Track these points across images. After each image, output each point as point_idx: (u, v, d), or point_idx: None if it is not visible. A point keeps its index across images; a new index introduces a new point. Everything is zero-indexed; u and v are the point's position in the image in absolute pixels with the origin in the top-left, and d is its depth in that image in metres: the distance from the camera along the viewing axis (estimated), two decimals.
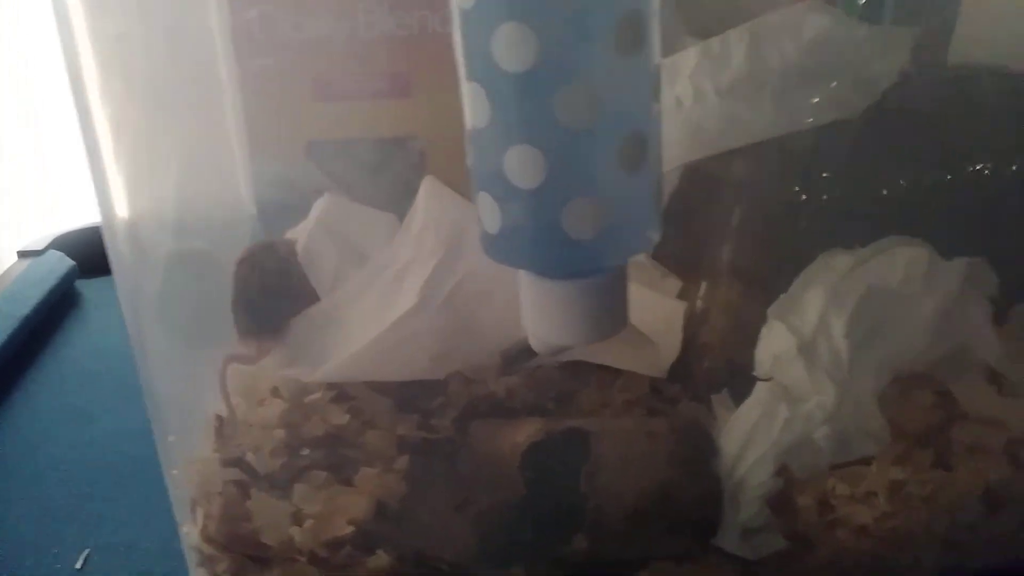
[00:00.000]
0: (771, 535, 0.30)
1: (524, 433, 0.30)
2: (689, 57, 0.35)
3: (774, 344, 0.32)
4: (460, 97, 0.24)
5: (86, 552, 0.37)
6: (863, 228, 0.35)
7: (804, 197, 0.36)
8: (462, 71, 0.24)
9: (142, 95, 0.31)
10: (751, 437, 0.30)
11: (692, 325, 0.38)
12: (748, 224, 0.37)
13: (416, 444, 0.33)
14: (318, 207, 0.39)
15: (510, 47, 0.22)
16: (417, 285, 0.34)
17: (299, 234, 0.39)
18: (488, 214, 0.25)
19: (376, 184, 0.41)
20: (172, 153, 0.33)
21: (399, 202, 0.39)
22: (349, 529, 0.29)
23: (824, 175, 0.36)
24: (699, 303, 0.38)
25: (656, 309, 0.39)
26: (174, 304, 0.29)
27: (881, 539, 0.32)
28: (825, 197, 0.36)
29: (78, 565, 0.36)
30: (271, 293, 0.39)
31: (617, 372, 0.37)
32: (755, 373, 0.32)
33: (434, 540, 0.29)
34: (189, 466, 0.29)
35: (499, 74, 0.23)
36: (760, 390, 0.31)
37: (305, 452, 0.30)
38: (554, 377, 0.36)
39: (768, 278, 0.35)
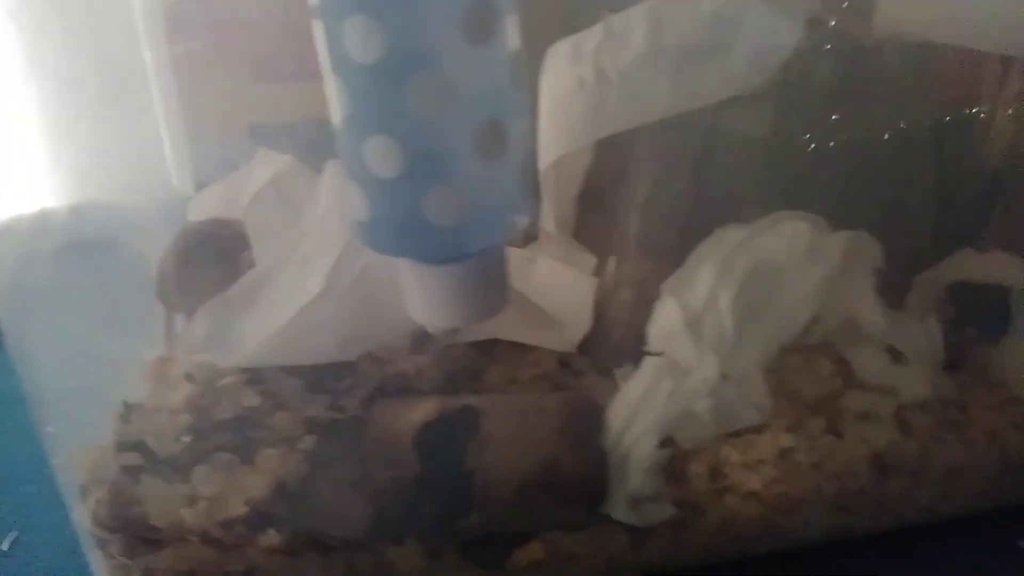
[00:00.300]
0: (660, 504, 0.31)
1: (420, 412, 0.31)
2: (593, 36, 0.35)
3: (665, 319, 0.32)
4: None
5: (13, 535, 0.38)
6: (765, 202, 0.36)
7: (813, 146, 0.37)
8: (323, 64, 0.25)
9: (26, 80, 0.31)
10: (637, 410, 0.31)
11: (602, 300, 0.38)
12: (654, 200, 0.37)
13: (323, 424, 0.34)
14: (266, 163, 0.40)
15: (359, 39, 0.23)
16: (324, 271, 0.35)
17: (239, 184, 0.40)
18: (356, 203, 0.26)
19: (321, 165, 0.41)
20: (72, 141, 0.34)
21: None
22: (244, 509, 0.29)
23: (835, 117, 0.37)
24: (609, 278, 0.39)
25: (569, 285, 0.40)
26: (70, 295, 0.30)
27: (770, 504, 0.33)
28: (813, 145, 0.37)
29: (4, 547, 0.37)
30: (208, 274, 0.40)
31: (527, 348, 0.37)
32: (646, 348, 0.32)
33: (330, 517, 0.30)
34: (80, 453, 0.30)
35: (352, 66, 0.23)
36: (647, 364, 0.32)
37: (195, 437, 0.31)
38: (463, 355, 0.37)
39: (675, 253, 0.36)
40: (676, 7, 0.34)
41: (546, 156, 0.36)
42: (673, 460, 0.32)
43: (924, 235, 0.39)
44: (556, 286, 0.40)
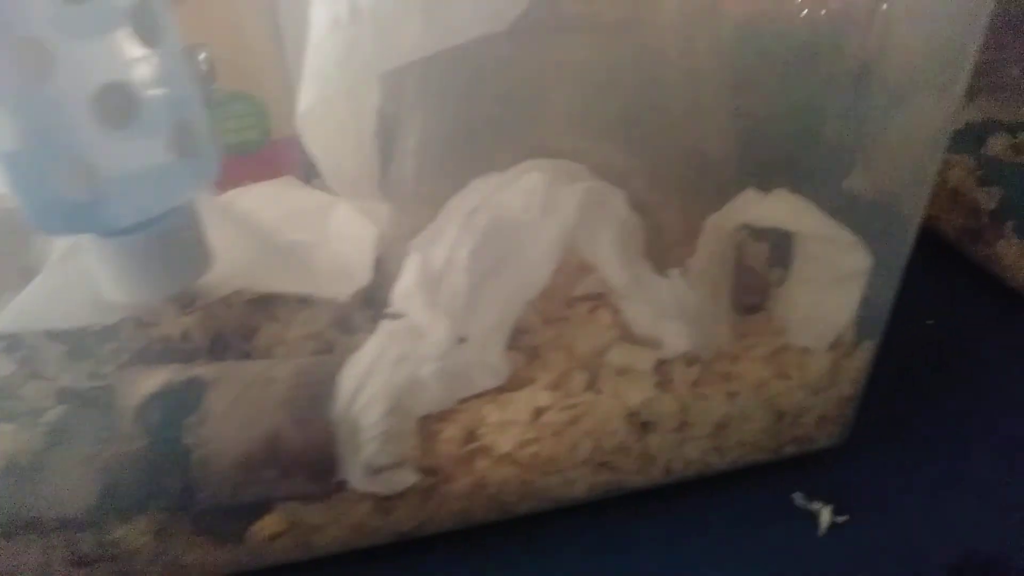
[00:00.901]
0: (403, 470, 0.30)
1: (148, 384, 0.30)
2: None
3: (408, 278, 0.31)
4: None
5: None
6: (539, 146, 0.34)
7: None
8: None
9: None
10: (367, 376, 0.29)
11: (383, 253, 0.37)
12: (427, 145, 0.35)
13: (76, 394, 0.33)
14: None
15: None
16: None
17: None
18: None
19: None
20: None
21: None
22: None
23: None
24: (389, 229, 0.37)
25: (354, 234, 0.38)
26: None
27: (524, 466, 0.32)
28: None
29: None
30: None
31: (304, 304, 0.36)
32: (387, 310, 0.31)
33: (55, 496, 0.29)
34: None
35: None
36: (382, 327, 0.30)
37: None
38: (235, 313, 0.36)
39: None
40: None
41: (302, 103, 0.33)
42: (428, 422, 0.31)
43: (723, 173, 0.37)
44: (345, 236, 0.39)
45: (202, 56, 0.40)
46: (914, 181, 0.31)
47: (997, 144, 0.48)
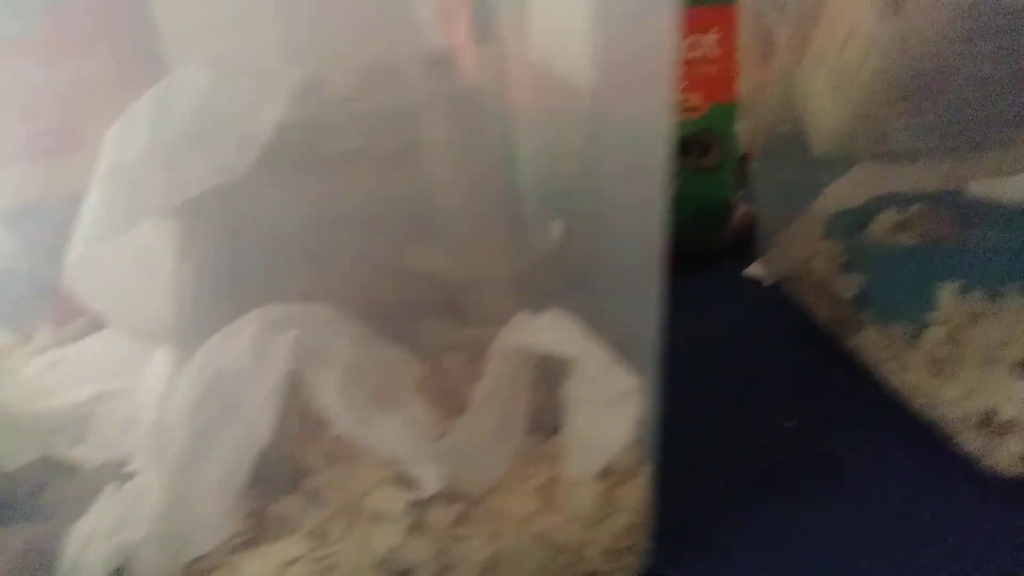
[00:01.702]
0: None
1: None
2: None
3: (142, 431, 0.30)
4: None
5: None
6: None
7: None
8: None
9: None
10: (86, 544, 0.29)
11: None
12: (190, 291, 0.35)
13: None
14: None
15: None
16: None
17: None
18: None
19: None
20: None
21: None
22: None
23: None
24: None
25: (150, 383, 0.38)
26: None
27: None
28: None
29: None
30: None
31: None
32: (123, 469, 0.30)
33: None
34: None
35: None
36: (108, 486, 0.30)
37: None
38: (25, 469, 0.36)
39: None
40: (178, 90, 0.33)
41: (69, 256, 0.34)
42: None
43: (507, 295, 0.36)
44: (147, 386, 0.39)
45: None
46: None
47: (886, 222, 0.45)
